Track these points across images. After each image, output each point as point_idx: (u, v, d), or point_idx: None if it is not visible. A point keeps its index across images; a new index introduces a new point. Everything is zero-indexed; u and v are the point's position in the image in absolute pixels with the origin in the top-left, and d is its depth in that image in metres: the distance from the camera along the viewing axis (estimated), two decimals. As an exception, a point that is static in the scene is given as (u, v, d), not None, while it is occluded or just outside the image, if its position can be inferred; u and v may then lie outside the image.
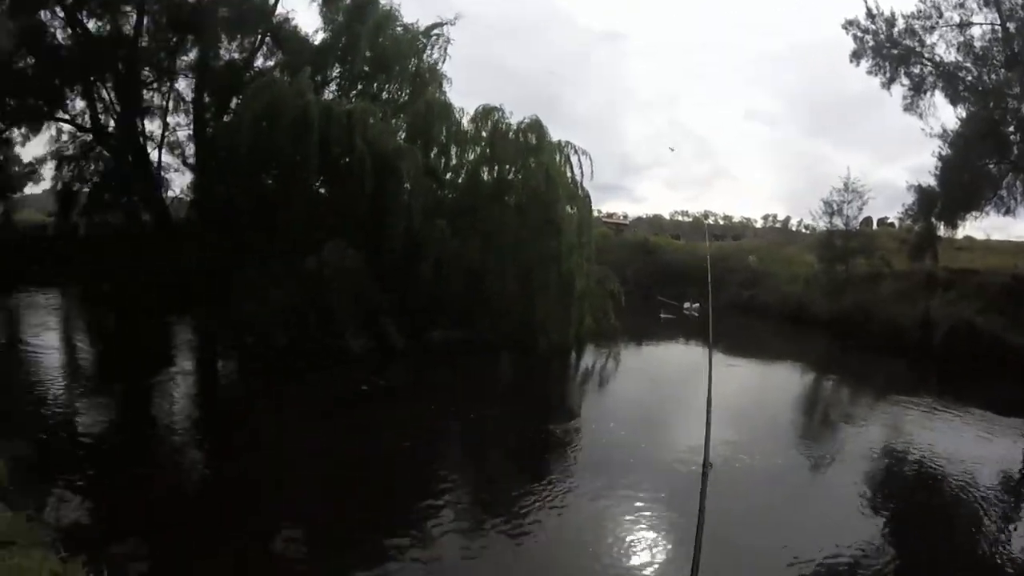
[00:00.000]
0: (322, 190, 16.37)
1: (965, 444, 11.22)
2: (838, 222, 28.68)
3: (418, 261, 14.83)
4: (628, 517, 6.67)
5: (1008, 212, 22.45)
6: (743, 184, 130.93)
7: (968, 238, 30.81)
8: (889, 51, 22.58)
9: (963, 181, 21.85)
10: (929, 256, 25.08)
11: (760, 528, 6.79)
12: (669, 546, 6.14)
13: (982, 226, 48.26)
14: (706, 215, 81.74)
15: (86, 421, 8.96)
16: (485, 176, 17.30)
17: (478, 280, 15.70)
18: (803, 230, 46.83)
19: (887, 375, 18.65)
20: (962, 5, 21.44)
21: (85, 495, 6.30)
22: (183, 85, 22.30)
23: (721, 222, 79.14)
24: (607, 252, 26.30)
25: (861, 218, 30.74)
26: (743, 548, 6.07)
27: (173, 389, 10.88)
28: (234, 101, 18.94)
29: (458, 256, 15.51)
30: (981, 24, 21.44)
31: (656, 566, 5.81)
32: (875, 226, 36.10)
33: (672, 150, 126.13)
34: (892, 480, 9.40)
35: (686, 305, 28.88)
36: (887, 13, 22.47)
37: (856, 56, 23.13)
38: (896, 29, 22.42)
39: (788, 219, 74.99)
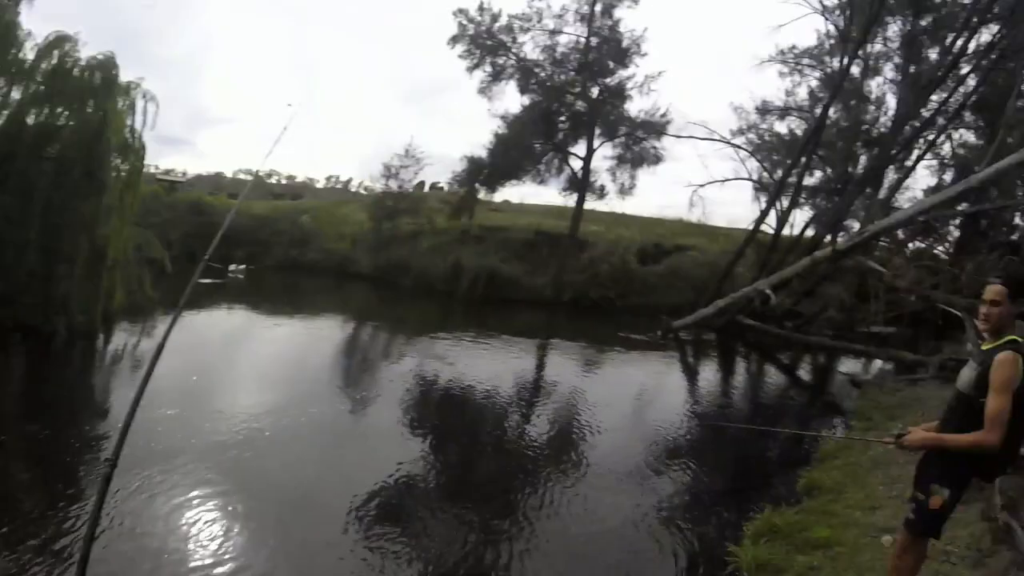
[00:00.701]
0: None
1: (488, 362, 15.14)
2: (394, 184, 34.31)
3: None
4: (185, 501, 6.45)
5: (542, 182, 31.18)
6: (319, 145, 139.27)
7: (506, 201, 39.97)
8: (484, 41, 28.75)
9: (511, 155, 29.17)
10: (466, 216, 32.34)
11: (331, 469, 7.89)
12: (229, 518, 6.16)
13: (519, 192, 63.35)
14: (270, 174, 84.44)
15: None
16: (31, 120, 15.13)
17: None
18: (362, 191, 52.22)
19: (421, 317, 24.05)
20: (561, 17, 28.88)
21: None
22: None
23: (284, 181, 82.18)
24: (155, 213, 26.48)
25: (416, 182, 37.00)
26: (322, 487, 7.20)
27: None
28: None
29: None
30: (569, 34, 29.19)
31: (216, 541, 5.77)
32: (427, 189, 42.58)
33: (290, 105, 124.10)
34: (430, 404, 11.62)
35: (231, 268, 30.76)
36: (495, 10, 28.57)
37: (455, 40, 29.09)
38: (498, 24, 28.63)
39: (350, 180, 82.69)
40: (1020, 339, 3.46)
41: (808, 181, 28.02)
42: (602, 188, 31.12)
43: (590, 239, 30.30)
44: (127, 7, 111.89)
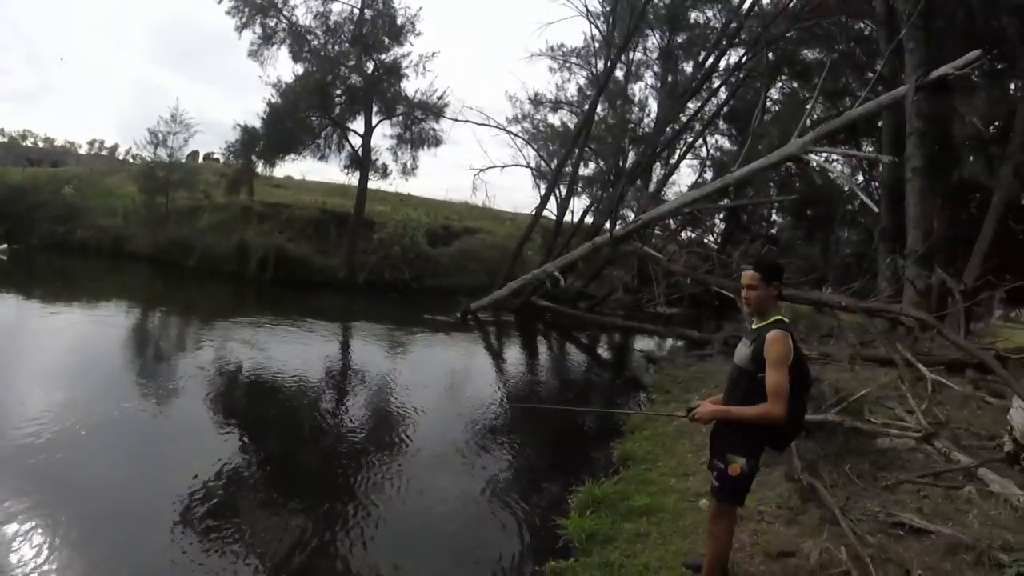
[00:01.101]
0: None
1: (292, 347, 14.64)
2: (163, 153, 32.22)
3: None
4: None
5: (323, 158, 30.75)
6: (77, 105, 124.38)
7: (288, 177, 40.32)
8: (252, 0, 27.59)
9: (286, 127, 28.36)
10: (245, 191, 32.36)
11: (140, 471, 7.20)
12: (44, 532, 5.55)
13: (300, 168, 62.19)
14: (24, 136, 76.25)
15: None
16: None
17: None
18: (131, 160, 48.74)
19: (212, 301, 22.94)
20: None
21: None
22: None
23: (42, 144, 75.16)
24: None
25: (188, 151, 35.13)
26: (134, 492, 6.55)
27: None
28: None
29: None
30: (343, 3, 28.87)
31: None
32: (201, 160, 41.60)
33: (62, 60, 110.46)
34: (238, 393, 11.17)
35: None
36: None
37: None
38: None
39: (116, 147, 76.89)
40: (785, 318, 3.87)
41: (583, 172, 30.73)
42: (384, 167, 31.42)
43: (377, 219, 30.89)
44: None
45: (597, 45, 29.48)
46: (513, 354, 18.31)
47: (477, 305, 21.31)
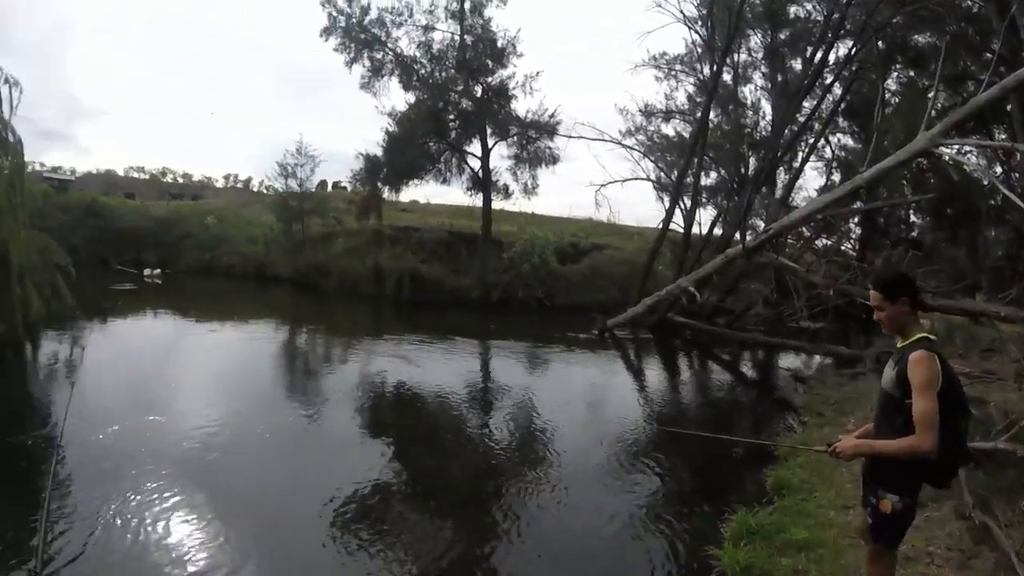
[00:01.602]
0: None
1: (434, 364, 15.18)
2: (293, 184, 35.22)
3: None
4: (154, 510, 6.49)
5: (446, 182, 31.83)
6: (210, 142, 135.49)
7: (414, 202, 42.08)
8: (357, 35, 28.98)
9: (406, 154, 29.66)
10: (375, 216, 33.68)
11: (291, 477, 7.77)
12: (204, 533, 6.13)
13: (424, 192, 64.21)
14: (164, 172, 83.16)
15: None
16: None
17: None
18: (264, 191, 52.53)
19: (353, 320, 24.16)
20: (432, 12, 29.38)
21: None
22: None
23: (181, 180, 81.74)
24: (49, 216, 26.22)
25: (316, 181, 38.31)
26: (285, 496, 7.15)
27: None
28: None
29: None
30: (443, 31, 29.81)
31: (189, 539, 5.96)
32: (330, 189, 44.04)
33: (212, 113, 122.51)
34: (385, 408, 11.82)
35: (147, 272, 31.62)
36: (364, 2, 28.78)
37: (327, 32, 29.10)
38: (369, 17, 28.94)
39: (250, 180, 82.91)
40: (932, 335, 3.52)
41: (705, 181, 29.59)
42: (506, 187, 31.72)
43: (505, 239, 31.20)
44: None
45: (699, 50, 28.59)
46: (653, 372, 17.81)
47: (614, 322, 20.98)
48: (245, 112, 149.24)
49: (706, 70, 27.96)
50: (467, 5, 29.42)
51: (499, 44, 29.72)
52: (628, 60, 30.45)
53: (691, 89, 30.74)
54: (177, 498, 6.78)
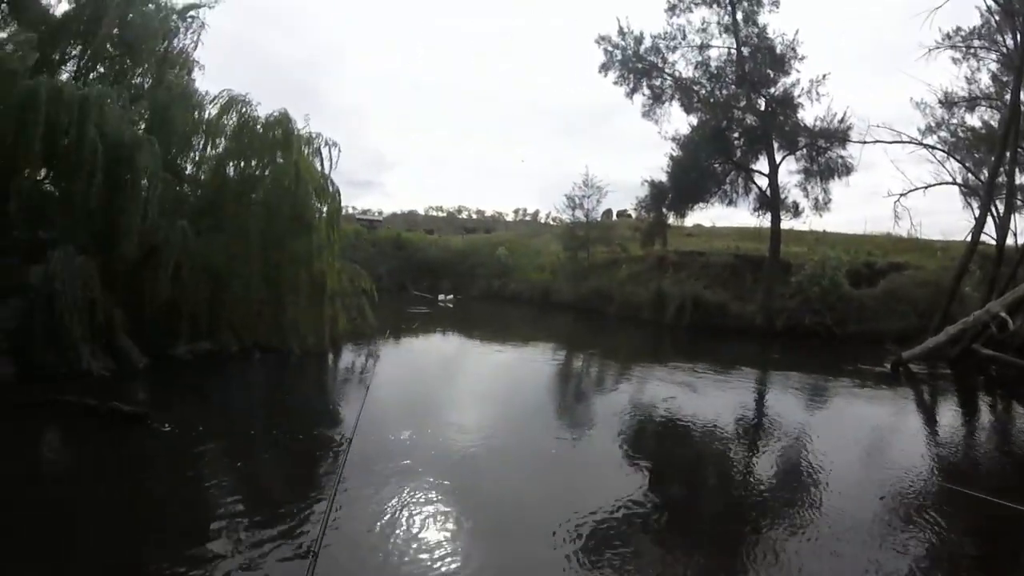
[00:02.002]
0: (49, 187, 16.57)
1: (705, 394, 15.25)
2: (579, 215, 37.58)
3: (156, 266, 15.39)
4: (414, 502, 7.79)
5: (731, 203, 31.50)
6: (499, 181, 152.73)
7: (698, 226, 41.90)
8: (634, 65, 30.13)
9: (691, 178, 29.98)
10: (659, 242, 34.14)
11: (546, 491, 8.63)
12: (452, 514, 7.53)
13: (709, 215, 63.92)
14: (460, 210, 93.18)
15: None
16: (231, 172, 18.91)
17: (224, 285, 16.78)
18: (551, 223, 56.47)
19: (630, 346, 24.67)
20: (704, 30, 29.55)
21: None
22: None
23: (474, 216, 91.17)
24: (360, 249, 31.05)
25: (601, 210, 40.06)
26: (536, 508, 7.94)
27: None
28: None
29: (201, 259, 16.32)
30: (719, 47, 29.74)
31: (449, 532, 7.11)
32: (614, 217, 45.69)
33: (523, 161, 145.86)
34: (647, 435, 12.11)
35: (441, 297, 35.67)
36: (637, 32, 29.87)
37: (605, 68, 30.62)
38: (643, 47, 29.98)
39: (537, 212, 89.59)
40: None
41: (1022, 180, 25.42)
42: (795, 205, 30.53)
43: (793, 261, 30.02)
44: (285, 67, 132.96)
45: (997, 18, 24.32)
46: (948, 415, 15.63)
47: (910, 355, 19.38)
48: (532, 149, 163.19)
49: (1009, 41, 24.25)
50: (739, 16, 29.10)
51: (778, 51, 28.94)
52: (919, 44, 27.26)
53: (994, 67, 26.16)
54: (439, 499, 7.88)
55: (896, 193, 27.30)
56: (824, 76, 28.68)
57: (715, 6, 29.41)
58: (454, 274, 41.12)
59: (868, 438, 12.58)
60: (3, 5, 20.60)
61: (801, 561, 6.74)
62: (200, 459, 9.83)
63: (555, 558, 6.51)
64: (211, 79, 24.64)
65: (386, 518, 7.31)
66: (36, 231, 15.45)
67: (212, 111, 18.84)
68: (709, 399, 14.77)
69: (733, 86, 30.24)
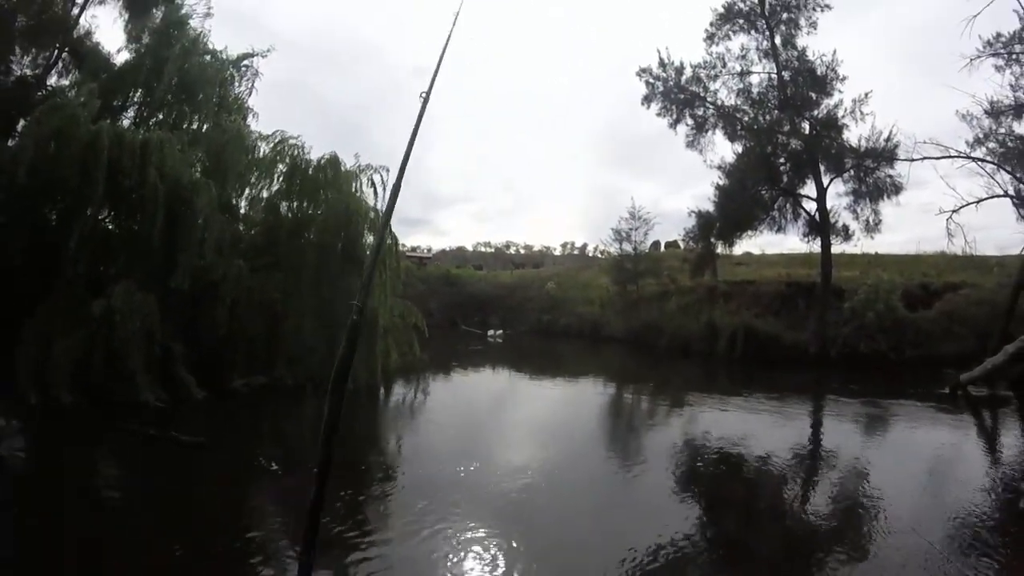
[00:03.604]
0: (111, 226, 17.55)
1: (758, 427, 14.92)
2: (627, 247, 37.56)
3: (214, 302, 16.13)
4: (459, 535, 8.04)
5: (780, 230, 30.98)
6: (545, 215, 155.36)
7: (747, 254, 41.47)
8: (676, 96, 30.36)
9: (738, 206, 29.72)
10: (709, 272, 33.79)
11: (596, 525, 8.66)
12: (503, 547, 7.66)
13: (758, 243, 63.62)
14: (508, 245, 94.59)
15: None
16: (284, 211, 19.79)
17: (278, 320, 17.54)
18: (599, 255, 56.29)
19: (682, 379, 24.11)
20: (744, 57, 29.71)
21: None
22: None
23: (522, 251, 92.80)
24: (411, 286, 30.35)
25: (649, 242, 39.87)
26: (585, 541, 7.99)
27: None
28: (22, 122, 19.32)
29: (257, 295, 17.18)
30: (759, 73, 29.80)
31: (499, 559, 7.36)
32: (663, 248, 45.64)
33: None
34: (700, 469, 11.96)
35: (490, 333, 36.17)
36: (677, 63, 30.13)
37: (647, 100, 30.95)
38: (684, 77, 30.24)
39: (585, 246, 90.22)
40: None
41: None
42: (846, 228, 29.82)
43: (845, 285, 29.21)
44: (337, 111, 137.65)
45: None
46: (1011, 439, 15.06)
47: (968, 377, 18.96)
48: (577, 184, 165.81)
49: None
50: (778, 40, 29.22)
51: (818, 72, 28.77)
52: (960, 54, 26.33)
53: (1038, 71, 25.07)
54: (487, 530, 8.04)
55: (947, 210, 26.46)
56: (867, 95, 28.45)
57: (753, 32, 29.69)
58: (503, 309, 41.54)
59: (929, 466, 12.25)
60: (64, 55, 22.36)
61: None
62: (252, 486, 10.42)
63: None
64: (264, 122, 25.84)
65: (434, 549, 7.55)
66: (99, 267, 16.35)
67: (265, 150, 19.84)
68: (764, 430, 14.68)
69: (776, 111, 30.12)
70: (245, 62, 21.30)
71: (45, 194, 16.13)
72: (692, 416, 17.08)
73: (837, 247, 30.29)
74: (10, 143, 19.13)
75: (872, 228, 29.25)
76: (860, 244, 31.08)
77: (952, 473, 11.90)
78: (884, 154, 28.15)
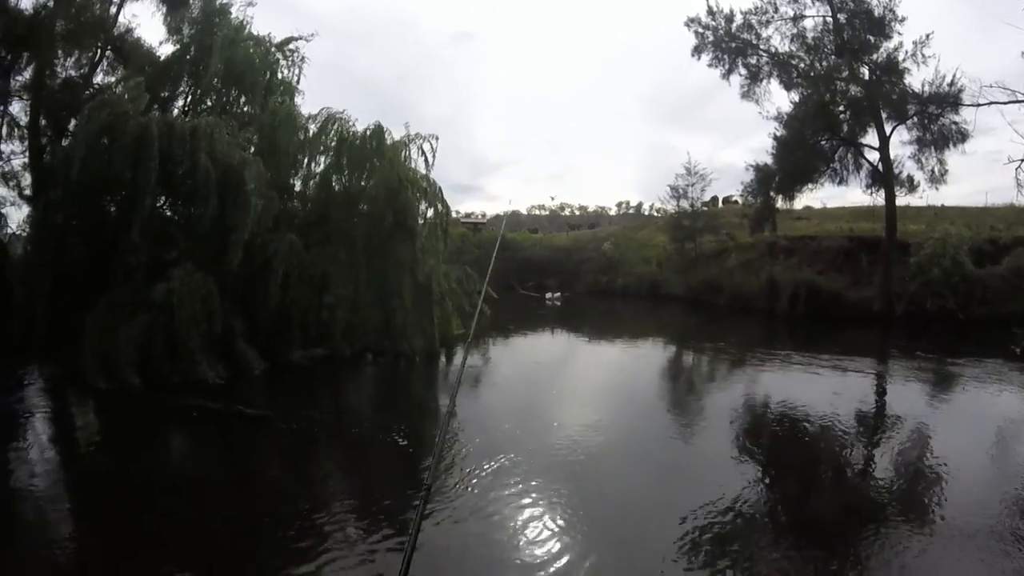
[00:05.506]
0: (168, 212, 18.13)
1: (820, 388, 14.66)
2: (684, 204, 37.12)
3: (269, 278, 16.32)
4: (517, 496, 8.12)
5: (842, 182, 30.25)
6: (597, 175, 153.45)
7: (807, 208, 40.35)
8: (728, 44, 29.49)
9: (797, 157, 28.91)
10: (769, 227, 33.28)
11: (654, 488, 8.67)
12: (558, 517, 7.52)
13: (819, 196, 61.32)
14: (562, 207, 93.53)
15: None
16: (335, 185, 20.09)
17: (332, 292, 17.73)
18: (655, 214, 55.62)
19: (743, 339, 23.55)
20: (796, 0, 28.45)
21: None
22: (17, 108, 23.71)
23: (577, 212, 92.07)
24: (466, 252, 31.36)
25: (707, 198, 39.31)
26: (643, 504, 7.95)
27: (32, 453, 10.41)
28: (73, 122, 20.23)
29: (310, 269, 17.40)
30: (813, 16, 28.65)
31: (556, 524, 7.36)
32: (720, 204, 44.81)
33: (553, 199, 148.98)
34: (760, 432, 11.79)
35: (548, 295, 36.36)
36: (727, 10, 29.16)
37: (697, 51, 30.23)
38: (734, 24, 29.31)
39: (640, 204, 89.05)
40: None
41: None
42: (910, 179, 28.79)
43: (911, 240, 28.49)
44: (383, 82, 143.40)
45: None
46: None
47: None
48: (628, 142, 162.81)
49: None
50: None
51: (876, 13, 27.61)
52: None
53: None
54: (544, 490, 8.12)
55: (1016, 159, 24.14)
56: (928, 36, 27.16)
57: (804, -29, 27.72)
58: (560, 271, 41.49)
59: (998, 431, 11.76)
60: (108, 53, 23.54)
61: (927, 561, 6.56)
62: (318, 454, 10.84)
63: (667, 556, 6.57)
64: (309, 101, 26.26)
65: (492, 511, 7.64)
66: (158, 252, 16.77)
67: (313, 128, 20.00)
68: (826, 392, 14.30)
69: (833, 56, 29.04)
70: (290, 46, 21.57)
71: (102, 189, 16.89)
72: (753, 376, 16.93)
73: (901, 199, 29.45)
74: (64, 142, 20.44)
75: (937, 179, 28.26)
76: (925, 196, 30.07)
77: (1018, 437, 11.64)
78: (948, 99, 26.83)
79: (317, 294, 17.60)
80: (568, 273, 41.18)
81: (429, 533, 7.02)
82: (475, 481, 8.48)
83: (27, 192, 23.59)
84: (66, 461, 10.44)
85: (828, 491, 8.95)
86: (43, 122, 22.70)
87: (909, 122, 28.14)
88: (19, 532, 7.70)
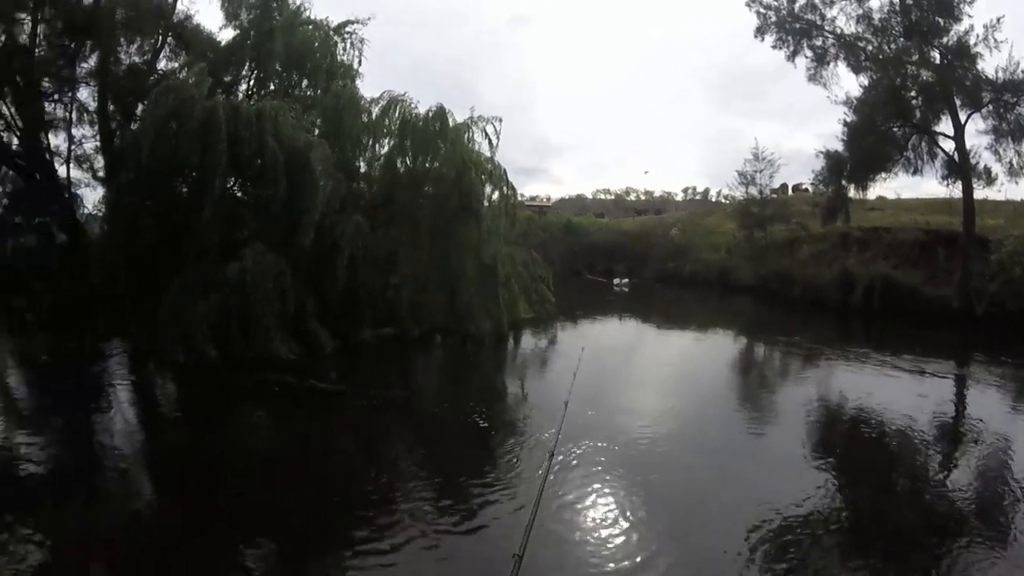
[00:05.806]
0: (238, 193, 18.58)
1: (898, 391, 13.96)
2: (753, 191, 36.30)
3: (336, 257, 16.49)
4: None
5: (916, 172, 28.65)
6: (662, 160, 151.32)
7: (880, 198, 38.78)
8: (792, 25, 28.36)
9: (868, 144, 27.67)
10: (842, 218, 32.11)
11: (721, 485, 8.39)
12: (629, 511, 7.43)
13: (893, 186, 59.51)
14: (627, 192, 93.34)
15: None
16: (400, 167, 20.22)
17: (399, 272, 18.26)
18: (723, 200, 54.89)
19: (816, 334, 22.69)
20: None
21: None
22: (85, 94, 24.78)
23: (643, 197, 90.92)
24: (532, 235, 31.35)
25: (776, 185, 38.22)
26: (710, 503, 7.76)
27: (116, 422, 10.93)
28: (140, 107, 21.21)
29: (375, 250, 17.67)
30: None
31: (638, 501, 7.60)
32: (790, 192, 43.85)
33: (646, 172, 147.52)
34: (832, 433, 11.39)
35: (615, 282, 36.10)
36: None
37: (760, 32, 29.13)
38: (798, 4, 28.12)
39: (707, 190, 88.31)
40: None
41: None
42: (988, 171, 26.96)
43: (990, 236, 26.72)
44: (444, 66, 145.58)
45: None
46: None
47: None
48: (693, 128, 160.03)
49: None
50: None
51: None
52: None
53: None
54: (620, 487, 8.01)
55: None
56: (999, 20, 25.60)
57: (869, -52, 26.58)
58: (626, 257, 41.28)
59: None
60: (169, 39, 24.40)
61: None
62: (390, 433, 11.00)
63: (733, 560, 6.39)
64: (369, 85, 26.56)
65: (567, 503, 7.57)
66: (230, 233, 17.20)
67: (376, 111, 20.19)
68: (903, 393, 13.72)
69: (901, 39, 27.58)
70: (347, 28, 21.88)
71: (172, 172, 17.47)
72: (827, 373, 16.48)
73: (979, 192, 27.73)
74: (133, 126, 21.37)
75: (1016, 171, 26.44)
76: (1004, 189, 28.96)
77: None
78: (1022, 86, 25.38)
79: (383, 274, 17.97)
80: (635, 259, 41.00)
81: (505, 521, 7.13)
82: (557, 468, 8.46)
83: (100, 174, 24.64)
84: (148, 430, 10.93)
85: (903, 500, 8.49)
86: (111, 107, 23.64)
87: (984, 111, 26.50)
88: (102, 497, 7.92)
